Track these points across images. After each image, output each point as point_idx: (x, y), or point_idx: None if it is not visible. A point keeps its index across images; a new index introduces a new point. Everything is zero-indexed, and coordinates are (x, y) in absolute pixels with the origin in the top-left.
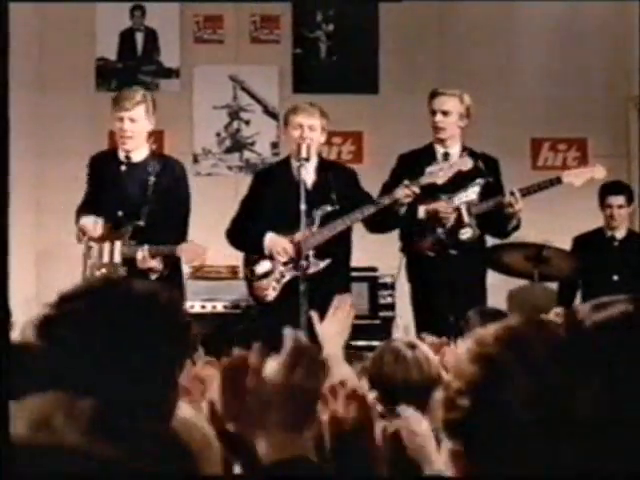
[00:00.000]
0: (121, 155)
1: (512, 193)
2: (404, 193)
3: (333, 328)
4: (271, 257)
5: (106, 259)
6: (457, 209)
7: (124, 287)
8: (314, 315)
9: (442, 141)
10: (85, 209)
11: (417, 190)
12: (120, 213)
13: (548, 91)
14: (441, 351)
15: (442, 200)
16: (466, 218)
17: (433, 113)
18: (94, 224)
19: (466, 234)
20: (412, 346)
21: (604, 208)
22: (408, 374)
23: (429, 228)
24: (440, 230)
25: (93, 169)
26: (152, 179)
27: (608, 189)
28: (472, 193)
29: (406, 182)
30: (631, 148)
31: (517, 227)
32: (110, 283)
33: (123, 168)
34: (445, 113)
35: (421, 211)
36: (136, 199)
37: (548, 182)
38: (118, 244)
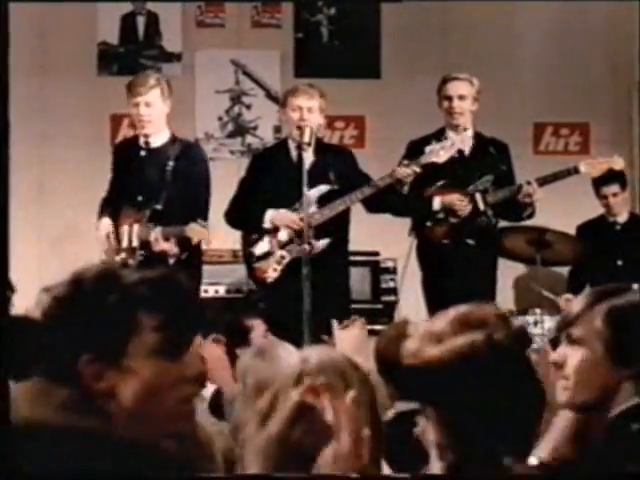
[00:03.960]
0: (141, 141)
1: (529, 183)
2: (405, 173)
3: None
4: (274, 231)
5: (125, 244)
6: (472, 198)
7: (120, 276)
8: (335, 326)
9: (457, 126)
10: (109, 198)
11: (417, 169)
12: (140, 198)
13: (551, 76)
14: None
15: (457, 190)
16: (481, 206)
17: (449, 99)
18: (106, 231)
19: (483, 223)
20: None
21: (600, 198)
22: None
23: (444, 218)
24: (455, 219)
25: (116, 157)
26: (170, 163)
27: (600, 179)
28: (486, 182)
29: (406, 161)
30: (633, 134)
31: (532, 215)
32: (107, 273)
33: (143, 153)
34: (462, 98)
35: (436, 202)
36: (155, 184)
37: (566, 172)
38: (136, 228)
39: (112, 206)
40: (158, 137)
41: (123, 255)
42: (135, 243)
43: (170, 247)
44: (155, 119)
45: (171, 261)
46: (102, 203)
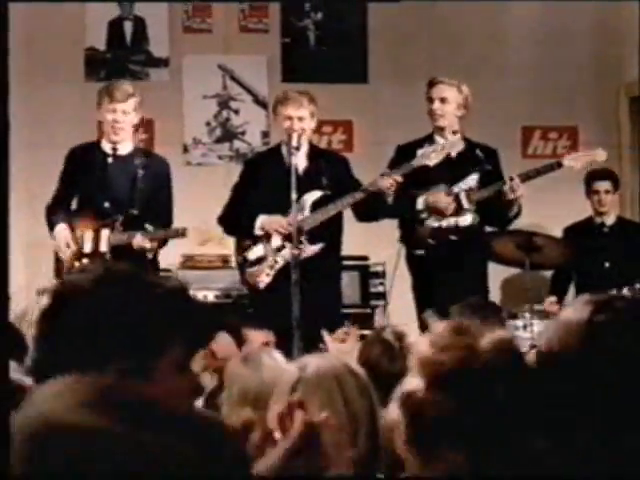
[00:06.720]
0: (107, 147)
1: (511, 179)
2: (386, 183)
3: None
4: (267, 236)
5: (88, 249)
6: (456, 197)
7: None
8: (326, 336)
9: (441, 130)
10: (58, 204)
11: (399, 178)
12: (107, 204)
13: (538, 79)
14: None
15: (441, 191)
16: (465, 204)
17: (431, 101)
18: (65, 238)
19: (466, 221)
20: (400, 337)
21: (591, 194)
22: (393, 366)
23: (428, 218)
24: (439, 219)
25: (74, 162)
26: (141, 171)
27: (594, 175)
28: (471, 181)
29: (386, 171)
30: (622, 137)
31: (518, 214)
32: (123, 274)
33: (110, 160)
34: (443, 100)
35: (420, 202)
36: (124, 190)
37: (549, 166)
38: (105, 233)
39: (64, 212)
40: (124, 145)
41: (86, 260)
42: (104, 248)
43: (153, 247)
44: (127, 127)
45: (150, 255)
46: (50, 210)
